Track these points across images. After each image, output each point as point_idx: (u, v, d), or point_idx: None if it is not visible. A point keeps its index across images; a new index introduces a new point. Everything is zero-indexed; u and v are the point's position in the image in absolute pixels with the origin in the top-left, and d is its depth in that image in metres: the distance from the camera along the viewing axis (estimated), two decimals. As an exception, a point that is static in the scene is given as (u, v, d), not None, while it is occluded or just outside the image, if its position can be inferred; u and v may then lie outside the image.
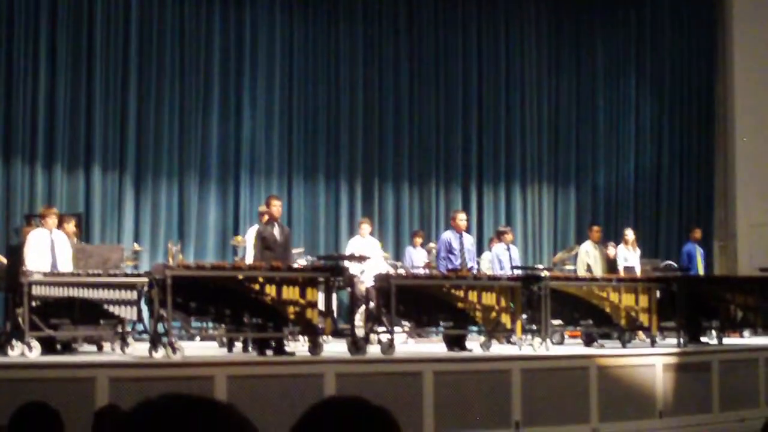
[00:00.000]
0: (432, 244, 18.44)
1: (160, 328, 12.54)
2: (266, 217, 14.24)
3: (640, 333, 16.34)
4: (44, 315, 12.72)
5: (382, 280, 14.11)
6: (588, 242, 18.05)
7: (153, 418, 1.67)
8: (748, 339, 18.01)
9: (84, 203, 18.83)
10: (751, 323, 17.05)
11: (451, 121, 22.27)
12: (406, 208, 21.73)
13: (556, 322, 15.51)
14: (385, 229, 21.15)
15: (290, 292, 12.75)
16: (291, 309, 12.75)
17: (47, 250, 13.48)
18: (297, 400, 11.06)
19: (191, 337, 16.69)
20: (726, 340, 16.53)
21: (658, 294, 15.65)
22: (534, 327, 14.70)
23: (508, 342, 15.56)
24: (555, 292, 14.83)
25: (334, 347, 13.84)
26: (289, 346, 13.95)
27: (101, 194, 19.04)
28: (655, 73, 24.05)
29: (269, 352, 13.10)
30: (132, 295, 12.97)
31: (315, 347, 12.91)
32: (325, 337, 13.35)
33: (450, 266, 15.22)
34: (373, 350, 13.48)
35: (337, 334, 13.98)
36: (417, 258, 18.49)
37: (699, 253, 19.72)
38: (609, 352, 14.89)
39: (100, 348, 14.41)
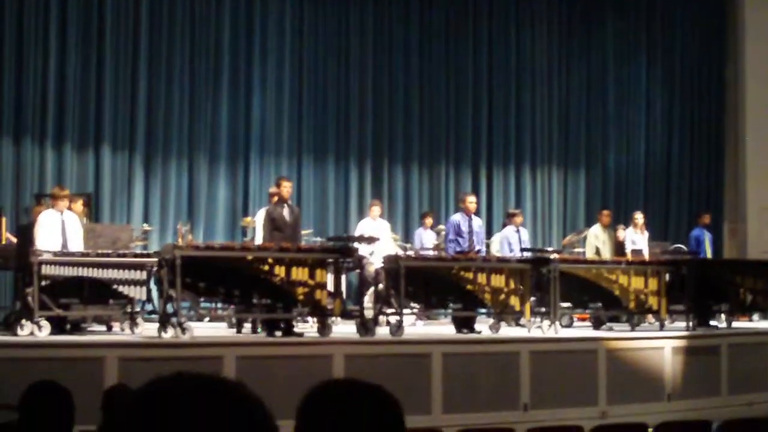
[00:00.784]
0: (441, 226, 18.42)
1: (170, 308, 12.55)
2: (276, 198, 14.23)
3: (649, 316, 16.31)
4: (54, 295, 12.75)
5: (391, 261, 14.10)
6: (597, 226, 18.03)
7: (162, 396, 1.67)
8: (757, 322, 17.97)
9: (94, 183, 18.85)
10: (761, 307, 17.03)
11: (462, 103, 22.23)
12: (416, 190, 21.70)
13: (565, 304, 15.50)
14: (394, 211, 21.12)
15: (299, 273, 12.75)
16: (300, 290, 12.76)
17: (58, 231, 13.47)
18: (305, 382, 10.99)
19: (200, 318, 16.71)
20: (735, 324, 16.51)
21: (667, 277, 15.63)
22: (543, 309, 14.68)
23: (517, 324, 15.54)
24: (564, 275, 14.80)
25: (343, 329, 13.85)
26: (298, 327, 13.96)
27: (111, 174, 19.05)
28: (666, 57, 23.96)
29: (278, 333, 13.12)
30: (141, 275, 13.00)
31: (324, 328, 12.92)
32: (333, 319, 13.35)
33: (458, 249, 15.21)
34: (382, 332, 13.48)
35: (346, 315, 13.99)
36: (427, 240, 18.45)
37: (707, 238, 19.66)
38: (618, 335, 14.88)
39: (109, 328, 14.43)
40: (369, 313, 14.00)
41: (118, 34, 19.23)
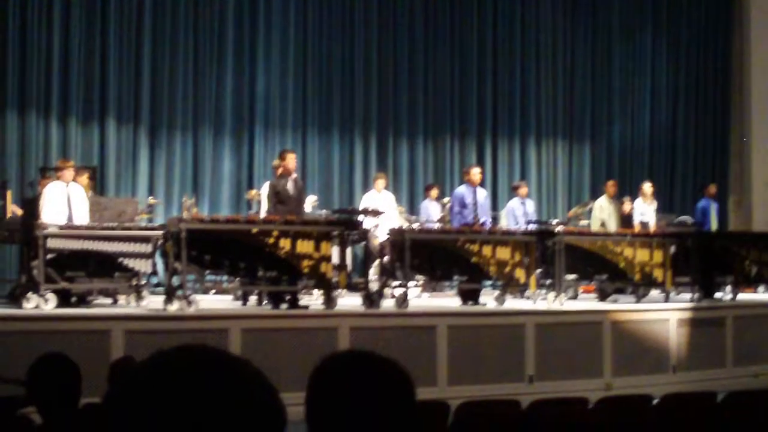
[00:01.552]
0: (447, 198, 18.41)
1: (175, 281, 12.57)
2: (280, 171, 14.22)
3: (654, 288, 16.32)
4: (59, 268, 12.79)
5: (396, 234, 14.11)
6: (603, 197, 18.01)
7: (165, 369, 1.67)
8: (762, 294, 18.00)
9: (99, 156, 18.84)
10: (766, 279, 17.06)
11: (466, 75, 22.17)
12: (421, 163, 21.68)
13: (571, 277, 15.53)
14: (399, 184, 21.10)
15: (304, 246, 12.76)
16: (305, 263, 12.77)
17: (63, 203, 13.47)
18: (311, 354, 11.04)
19: (206, 291, 16.75)
20: (740, 296, 16.53)
21: (672, 249, 15.63)
22: (548, 282, 14.70)
23: (522, 297, 15.57)
24: (569, 247, 14.81)
25: (348, 301, 13.86)
26: (303, 299, 13.98)
27: (116, 147, 19.05)
28: (672, 28, 23.86)
29: (283, 306, 13.14)
30: (147, 248, 13.02)
31: (329, 301, 12.93)
32: (339, 291, 13.36)
33: (463, 221, 15.22)
34: (387, 304, 13.50)
35: (351, 288, 14.02)
36: (433, 211, 18.42)
37: (713, 208, 19.62)
38: (623, 307, 14.90)
39: (115, 301, 14.47)
40: (374, 286, 14.01)
41: (122, 6, 19.18)
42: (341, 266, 13.28)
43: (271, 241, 12.69)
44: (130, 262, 13.03)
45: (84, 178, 14.90)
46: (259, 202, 16.45)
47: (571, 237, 15.15)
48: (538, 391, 11.87)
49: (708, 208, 19.50)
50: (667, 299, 15.28)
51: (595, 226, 17.51)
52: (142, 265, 13.08)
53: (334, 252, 13.27)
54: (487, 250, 14.06)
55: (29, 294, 12.40)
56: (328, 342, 11.57)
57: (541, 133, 22.71)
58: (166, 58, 19.59)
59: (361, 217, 13.99)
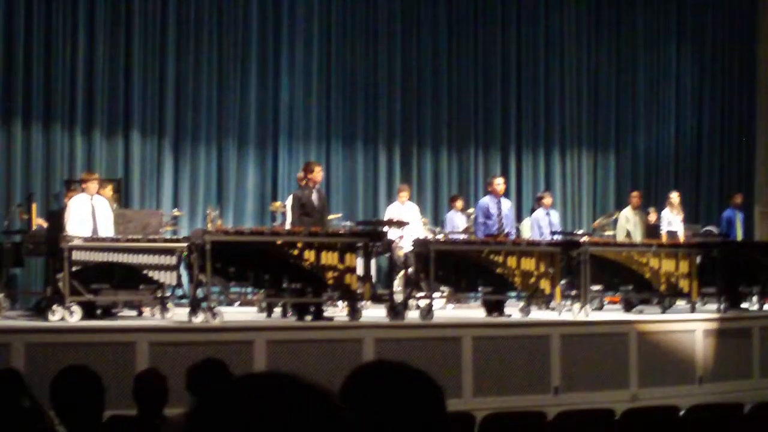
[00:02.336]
0: (472, 209, 18.37)
1: (200, 293, 12.59)
2: (304, 182, 14.23)
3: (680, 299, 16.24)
4: (84, 280, 12.83)
5: (420, 245, 14.09)
6: (628, 208, 17.96)
7: (257, 393, 1.65)
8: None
9: (123, 168, 18.90)
10: (792, 289, 16.93)
11: (490, 85, 22.15)
12: (445, 174, 21.65)
13: (596, 287, 15.47)
14: (423, 195, 21.08)
15: (329, 258, 12.76)
16: (330, 274, 12.77)
17: (88, 216, 13.52)
18: (336, 365, 11.09)
19: (230, 302, 16.76)
20: (766, 306, 16.42)
21: (698, 259, 15.56)
22: (573, 293, 14.65)
23: (548, 308, 15.51)
24: (594, 258, 14.76)
25: (373, 313, 13.85)
26: (328, 311, 13.97)
27: (140, 159, 19.11)
28: (697, 37, 23.77)
29: (308, 318, 13.13)
30: (171, 260, 13.03)
31: (354, 312, 12.93)
32: (363, 303, 13.34)
33: (487, 231, 15.18)
34: (412, 315, 13.48)
35: (375, 299, 14.00)
36: (459, 222, 18.38)
37: (739, 218, 19.49)
38: (649, 317, 14.84)
39: (140, 313, 14.50)
40: (399, 297, 14.00)
41: (146, 18, 19.26)
42: (366, 277, 13.28)
43: (296, 252, 12.69)
44: (155, 274, 13.04)
45: (108, 191, 14.97)
46: (283, 214, 16.46)
47: (596, 248, 15.10)
48: (564, 403, 11.83)
49: (734, 217, 19.39)
50: (693, 310, 15.20)
51: (620, 237, 17.46)
52: (166, 278, 13.10)
53: (359, 263, 13.29)
54: (512, 261, 14.03)
55: (55, 306, 12.44)
56: (352, 354, 11.57)
57: (565, 143, 22.65)
58: (190, 70, 19.65)
59: (385, 229, 13.97)
